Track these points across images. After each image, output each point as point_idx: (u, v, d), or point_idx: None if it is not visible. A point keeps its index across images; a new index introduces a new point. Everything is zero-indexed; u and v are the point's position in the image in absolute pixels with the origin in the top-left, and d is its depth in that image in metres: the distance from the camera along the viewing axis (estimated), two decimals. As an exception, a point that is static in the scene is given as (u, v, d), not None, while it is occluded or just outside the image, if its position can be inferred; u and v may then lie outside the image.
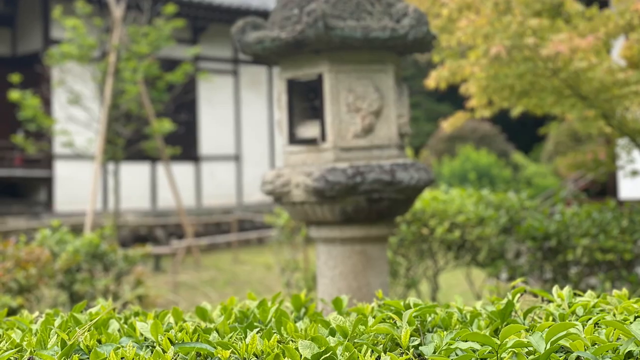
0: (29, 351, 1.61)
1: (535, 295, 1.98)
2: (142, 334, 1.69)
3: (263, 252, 11.35)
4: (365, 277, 3.58)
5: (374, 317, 1.82)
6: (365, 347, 1.54)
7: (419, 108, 23.44)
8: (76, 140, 10.06)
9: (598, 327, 1.62)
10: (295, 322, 1.89)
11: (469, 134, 18.44)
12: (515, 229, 5.29)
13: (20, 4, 13.37)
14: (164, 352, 1.55)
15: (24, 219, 11.88)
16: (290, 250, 6.67)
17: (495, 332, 1.69)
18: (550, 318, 1.80)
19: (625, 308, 1.77)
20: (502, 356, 1.42)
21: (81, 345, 1.62)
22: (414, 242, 5.58)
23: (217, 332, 1.75)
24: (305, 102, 3.68)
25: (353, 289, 3.53)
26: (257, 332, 1.68)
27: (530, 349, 1.44)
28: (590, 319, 1.71)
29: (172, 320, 1.89)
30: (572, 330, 1.48)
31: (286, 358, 1.46)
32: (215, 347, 1.55)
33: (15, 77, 9.90)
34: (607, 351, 1.42)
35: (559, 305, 1.89)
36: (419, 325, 1.71)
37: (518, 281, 2.07)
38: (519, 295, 1.89)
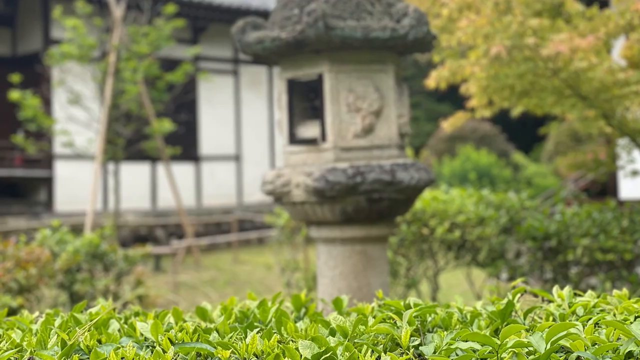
0: (29, 351, 1.61)
1: (536, 295, 1.98)
2: (142, 334, 1.69)
3: (263, 252, 11.35)
4: (365, 277, 3.58)
5: (374, 317, 1.81)
6: (365, 347, 1.54)
7: (419, 108, 23.44)
8: (76, 140, 10.06)
9: (598, 327, 1.62)
10: (296, 322, 1.89)
11: (469, 134, 18.44)
12: (515, 229, 5.29)
13: (20, 4, 13.37)
14: (164, 352, 1.55)
15: (24, 219, 11.88)
16: (290, 250, 6.67)
17: (496, 332, 1.69)
18: (551, 318, 1.80)
19: (626, 308, 1.77)
20: (502, 356, 1.42)
21: (81, 345, 1.62)
22: (414, 242, 5.58)
23: (217, 332, 1.75)
24: (306, 102, 3.68)
25: (353, 289, 3.53)
26: (258, 332, 1.68)
27: (531, 349, 1.44)
28: (590, 319, 1.71)
29: (172, 320, 1.89)
30: (572, 330, 1.48)
31: (286, 358, 1.46)
32: (215, 347, 1.55)
33: (15, 77, 9.90)
34: (608, 351, 1.42)
35: (559, 305, 1.89)
36: (419, 325, 1.71)
37: (518, 281, 2.07)
38: (519, 295, 1.89)
